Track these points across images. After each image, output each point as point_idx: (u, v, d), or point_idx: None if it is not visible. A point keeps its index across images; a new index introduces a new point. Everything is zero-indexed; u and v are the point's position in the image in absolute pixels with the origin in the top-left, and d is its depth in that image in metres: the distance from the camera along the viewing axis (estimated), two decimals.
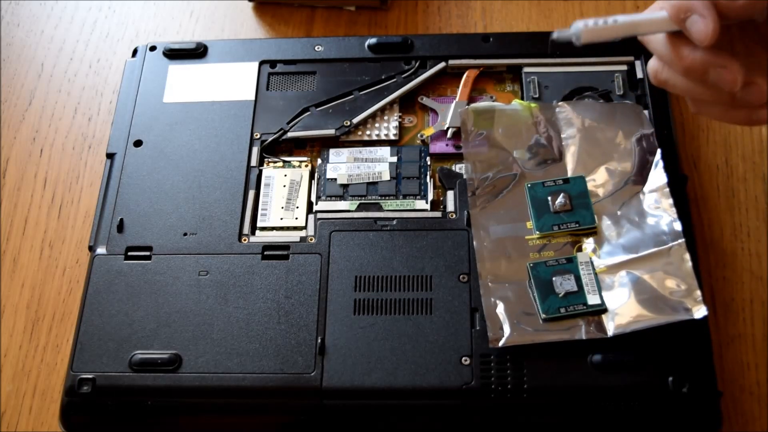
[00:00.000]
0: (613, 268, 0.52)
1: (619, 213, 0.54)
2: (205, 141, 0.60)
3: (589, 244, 0.53)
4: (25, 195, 0.63)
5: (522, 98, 0.61)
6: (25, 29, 0.72)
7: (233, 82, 0.62)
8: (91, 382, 0.50)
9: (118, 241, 0.56)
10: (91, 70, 0.70)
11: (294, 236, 0.55)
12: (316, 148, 0.60)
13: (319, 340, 0.51)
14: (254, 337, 0.51)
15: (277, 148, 0.60)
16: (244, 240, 0.55)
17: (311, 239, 0.55)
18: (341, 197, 0.57)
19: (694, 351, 0.50)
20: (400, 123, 0.61)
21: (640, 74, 0.60)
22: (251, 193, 0.57)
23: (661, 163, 0.55)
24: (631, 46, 0.61)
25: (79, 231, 0.62)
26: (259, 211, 0.57)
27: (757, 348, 0.54)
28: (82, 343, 0.52)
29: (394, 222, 0.55)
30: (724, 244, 0.58)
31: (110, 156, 0.60)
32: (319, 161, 0.59)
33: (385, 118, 0.61)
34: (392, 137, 0.60)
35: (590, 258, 0.52)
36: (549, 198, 0.55)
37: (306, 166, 0.59)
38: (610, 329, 0.49)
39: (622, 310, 0.50)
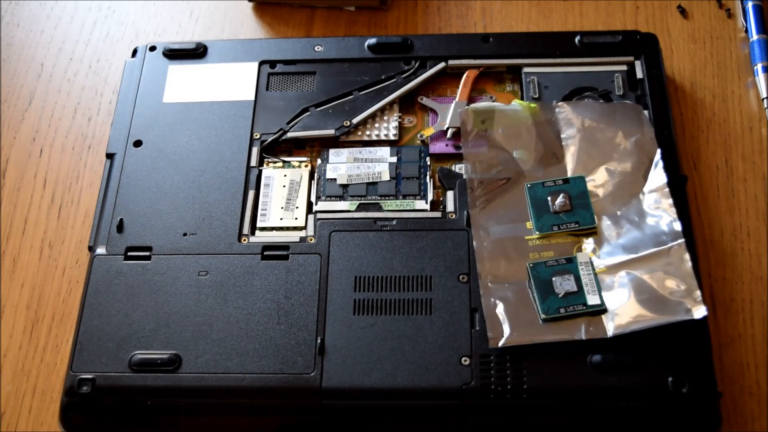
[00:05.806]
0: (613, 269, 0.52)
1: (618, 213, 0.54)
2: (205, 141, 0.60)
3: (588, 244, 0.53)
4: (24, 195, 0.63)
5: (522, 98, 0.61)
6: (25, 29, 0.72)
7: (233, 82, 0.62)
8: (90, 382, 0.51)
9: (117, 241, 0.56)
10: (90, 70, 0.70)
11: (294, 236, 0.55)
12: (316, 148, 0.60)
13: (319, 341, 0.51)
14: (254, 337, 0.51)
15: (277, 148, 0.60)
16: (244, 240, 0.55)
17: (311, 239, 0.55)
18: (341, 197, 0.57)
19: (694, 351, 0.50)
20: (399, 123, 0.61)
21: (640, 74, 0.60)
22: (251, 194, 0.57)
23: (661, 163, 0.55)
24: (632, 47, 0.61)
25: (78, 231, 0.61)
26: (259, 212, 0.57)
27: (756, 348, 0.54)
28: (81, 343, 0.52)
29: (394, 222, 0.55)
30: (724, 245, 0.58)
31: (110, 156, 0.60)
32: (319, 161, 0.59)
33: (385, 118, 0.61)
34: (392, 137, 0.60)
35: (590, 258, 0.52)
36: (549, 198, 0.55)
37: (306, 166, 0.59)
38: (610, 329, 0.49)
39: (621, 310, 0.50)
